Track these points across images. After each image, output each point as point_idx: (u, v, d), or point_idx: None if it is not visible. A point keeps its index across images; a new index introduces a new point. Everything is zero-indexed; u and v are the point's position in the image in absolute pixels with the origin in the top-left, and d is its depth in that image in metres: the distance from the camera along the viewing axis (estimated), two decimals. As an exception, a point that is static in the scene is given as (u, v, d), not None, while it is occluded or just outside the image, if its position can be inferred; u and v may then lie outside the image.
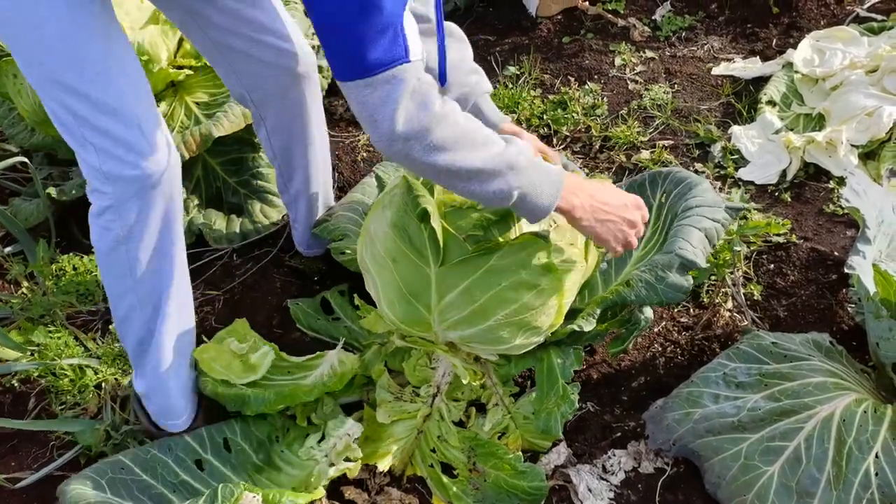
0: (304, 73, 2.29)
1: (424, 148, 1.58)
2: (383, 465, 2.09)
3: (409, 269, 1.90)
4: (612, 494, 2.02)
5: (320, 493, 2.01)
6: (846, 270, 1.86)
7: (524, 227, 1.91)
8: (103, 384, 2.44)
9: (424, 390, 2.20)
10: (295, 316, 2.53)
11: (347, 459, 2.04)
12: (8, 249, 2.85)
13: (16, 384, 2.47)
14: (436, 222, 1.79)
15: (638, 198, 1.96)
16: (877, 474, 1.73)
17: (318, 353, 2.27)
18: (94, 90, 1.75)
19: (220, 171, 3.04)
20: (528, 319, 1.95)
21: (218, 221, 2.90)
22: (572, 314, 2.12)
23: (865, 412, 1.82)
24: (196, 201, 2.97)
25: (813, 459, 1.81)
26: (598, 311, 2.08)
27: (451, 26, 2.00)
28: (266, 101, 2.33)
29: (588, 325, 2.04)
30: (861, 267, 1.87)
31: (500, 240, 1.86)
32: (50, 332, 2.56)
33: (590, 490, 2.03)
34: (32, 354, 2.50)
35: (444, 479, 2.05)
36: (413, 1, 1.78)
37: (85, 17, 1.73)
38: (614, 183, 2.98)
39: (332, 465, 2.02)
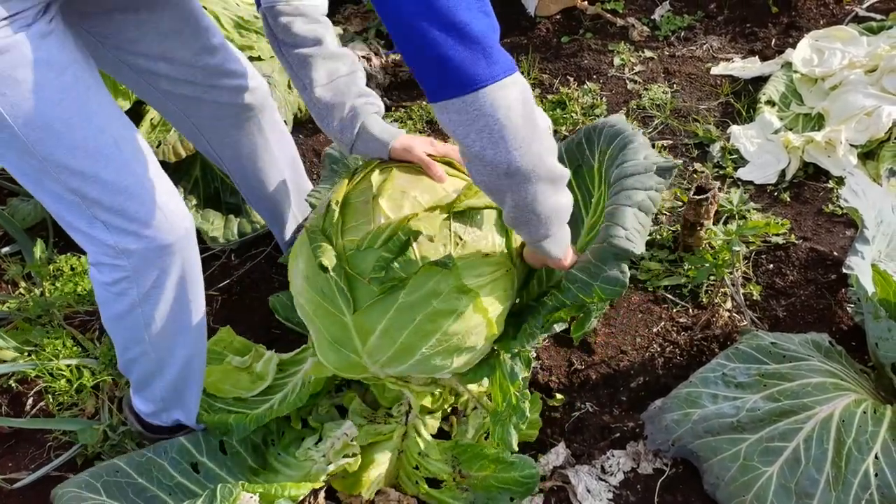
0: (259, 104, 2.29)
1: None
2: (368, 493, 2.04)
3: (329, 320, 1.84)
4: (610, 495, 2.01)
5: (320, 483, 1.99)
6: (845, 271, 1.85)
7: (427, 253, 1.76)
8: (101, 385, 2.43)
9: (397, 409, 2.16)
10: (273, 307, 2.51)
11: (346, 456, 2.04)
12: (5, 250, 2.85)
13: (13, 385, 2.46)
14: (338, 271, 1.76)
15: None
16: (876, 475, 1.72)
17: (304, 346, 2.29)
18: (106, 172, 1.70)
19: (218, 171, 3.03)
20: (458, 343, 1.85)
21: (216, 221, 2.90)
22: (526, 310, 2.03)
23: (865, 413, 1.81)
24: (194, 201, 2.96)
25: (812, 460, 1.80)
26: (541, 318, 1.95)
27: (343, 51, 1.94)
28: (224, 139, 2.31)
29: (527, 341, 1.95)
30: (860, 267, 1.86)
31: (402, 275, 1.74)
32: (47, 332, 2.56)
33: (588, 491, 2.02)
34: (30, 355, 2.49)
35: (433, 492, 2.04)
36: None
37: (89, 100, 1.68)
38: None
39: (329, 463, 2.01)
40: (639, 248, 1.82)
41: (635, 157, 2.02)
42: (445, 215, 1.79)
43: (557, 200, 1.65)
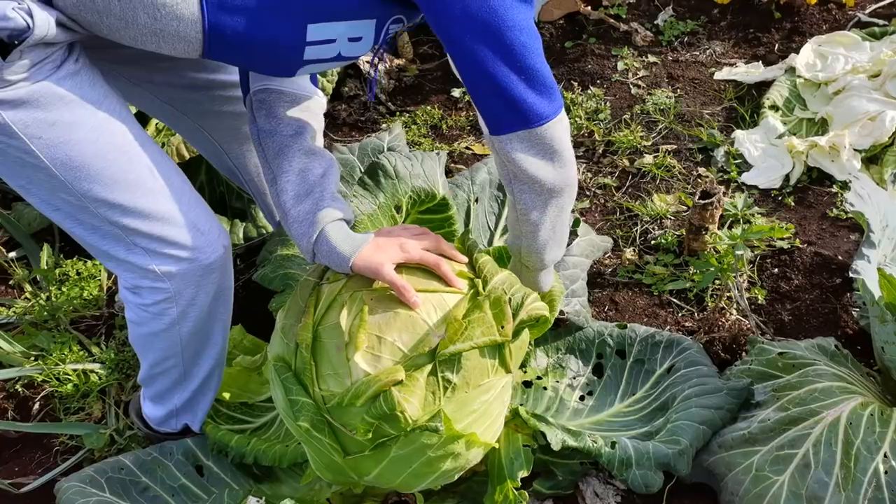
0: None
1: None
2: None
3: (320, 453, 1.76)
4: (619, 499, 2.01)
5: (323, 501, 1.98)
6: (851, 275, 1.86)
7: (414, 413, 1.64)
8: (107, 389, 2.44)
9: None
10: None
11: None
12: (12, 254, 2.85)
13: (20, 389, 2.47)
14: (319, 426, 1.69)
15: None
16: (886, 472, 1.72)
17: None
18: (144, 202, 1.72)
19: (224, 175, 3.04)
20: (457, 472, 1.82)
21: (221, 225, 2.90)
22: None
23: (872, 415, 1.81)
24: (199, 206, 2.97)
25: (821, 464, 1.80)
26: (571, 442, 1.92)
27: (321, 150, 1.91)
28: (243, 149, 2.31)
29: (555, 439, 1.89)
30: (866, 271, 1.86)
31: (392, 433, 1.66)
32: (54, 337, 2.56)
33: (597, 495, 2.02)
34: (36, 359, 2.50)
35: None
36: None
37: (124, 133, 1.69)
38: (618, 188, 3.00)
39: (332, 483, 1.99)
40: (686, 469, 1.94)
41: (707, 383, 2.12)
42: (430, 366, 1.64)
43: (567, 226, 1.97)
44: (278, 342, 1.81)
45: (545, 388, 2.23)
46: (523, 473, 1.85)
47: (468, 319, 1.67)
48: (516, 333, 1.74)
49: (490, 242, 2.53)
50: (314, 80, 2.03)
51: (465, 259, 1.84)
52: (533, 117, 1.67)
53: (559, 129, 1.72)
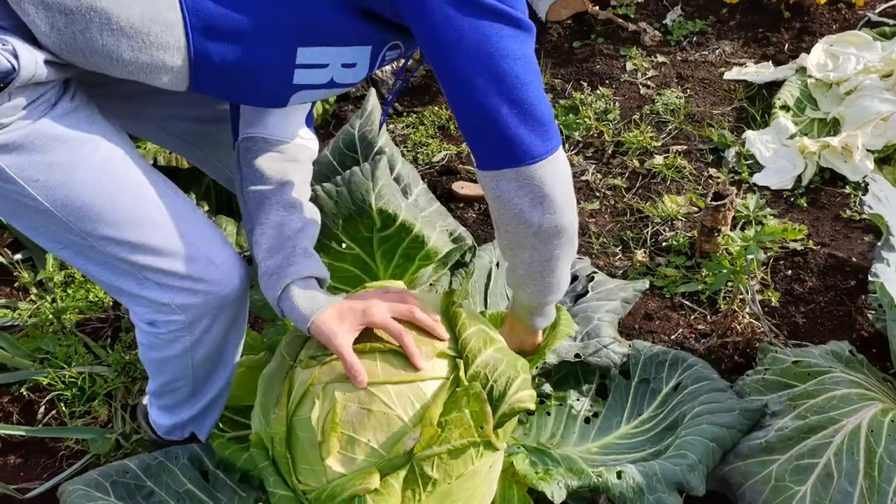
0: None
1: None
2: None
3: None
4: (632, 507, 1.99)
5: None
6: (870, 279, 1.83)
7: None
8: (114, 393, 2.41)
9: None
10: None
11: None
12: (17, 256, 2.83)
13: (25, 393, 2.44)
14: None
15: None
16: (911, 480, 1.69)
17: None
18: (153, 238, 1.65)
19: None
20: None
21: (228, 227, 2.87)
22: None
23: (893, 421, 1.78)
24: (206, 207, 2.94)
25: (844, 473, 1.76)
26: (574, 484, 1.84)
27: (303, 202, 1.83)
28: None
29: (557, 493, 1.81)
30: (885, 274, 1.83)
31: None
32: (59, 339, 2.54)
33: (611, 502, 2.00)
34: (41, 363, 2.47)
35: None
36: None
37: (126, 170, 1.63)
38: (628, 189, 2.97)
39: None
40: (701, 490, 1.85)
41: (719, 401, 2.05)
42: (406, 468, 1.57)
43: (567, 273, 1.77)
44: (258, 420, 1.77)
45: (548, 414, 2.18)
46: None
47: (445, 419, 1.59)
48: (500, 425, 1.65)
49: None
50: (310, 123, 1.95)
51: (444, 336, 1.69)
52: (522, 155, 1.54)
53: (551, 170, 1.58)
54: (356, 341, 1.65)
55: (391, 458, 1.57)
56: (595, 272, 2.43)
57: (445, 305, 1.80)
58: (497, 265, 2.41)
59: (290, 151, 1.84)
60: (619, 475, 1.83)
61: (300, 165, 1.86)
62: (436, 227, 2.24)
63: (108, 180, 1.59)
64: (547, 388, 2.20)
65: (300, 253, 1.72)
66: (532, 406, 1.67)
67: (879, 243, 1.97)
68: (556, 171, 1.60)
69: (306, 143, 1.90)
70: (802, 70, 3.30)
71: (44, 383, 2.42)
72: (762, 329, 2.36)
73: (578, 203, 2.94)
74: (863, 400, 1.85)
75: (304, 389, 1.65)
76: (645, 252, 2.74)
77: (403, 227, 2.16)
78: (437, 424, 1.56)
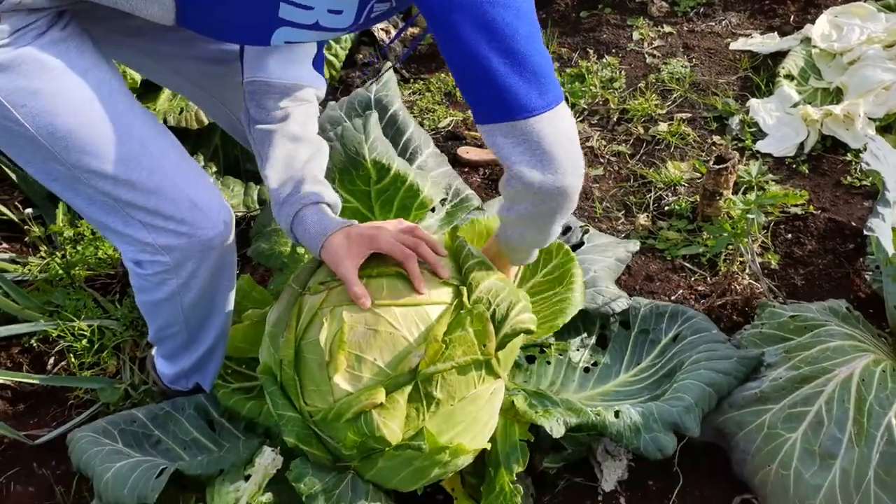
0: None
1: None
2: None
3: (314, 457, 1.76)
4: (630, 456, 2.02)
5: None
6: (865, 233, 1.85)
7: (396, 431, 1.63)
8: (122, 345, 2.46)
9: None
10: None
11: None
12: (28, 210, 2.87)
13: (35, 344, 2.48)
14: (306, 439, 1.71)
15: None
16: (899, 427, 1.72)
17: None
18: (137, 175, 1.67)
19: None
20: (449, 474, 1.82)
21: (236, 188, 2.91)
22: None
23: (884, 371, 1.81)
24: (214, 168, 2.98)
25: (834, 420, 1.79)
26: (573, 421, 1.87)
27: (309, 136, 1.86)
28: None
29: (556, 428, 1.84)
30: (880, 229, 1.86)
31: (376, 446, 1.65)
32: (69, 294, 2.58)
33: (608, 452, 2.04)
34: (51, 315, 2.52)
35: None
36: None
37: (112, 104, 1.65)
38: (632, 156, 3.00)
39: None
40: (696, 431, 1.88)
41: (717, 349, 2.09)
42: (411, 386, 1.62)
43: (559, 227, 1.75)
44: (266, 350, 1.81)
45: (549, 363, 2.22)
46: (519, 469, 1.81)
47: (449, 338, 1.63)
48: (502, 346, 1.70)
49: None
50: (319, 68, 1.95)
51: (445, 275, 1.72)
52: (516, 108, 1.50)
53: (549, 126, 1.53)
54: (365, 266, 1.69)
55: (396, 376, 1.62)
56: (587, 227, 2.47)
57: (450, 241, 1.86)
58: None
59: (296, 92, 1.85)
60: (616, 414, 1.87)
61: (306, 103, 1.88)
62: (427, 178, 2.28)
63: (93, 112, 1.61)
64: (548, 338, 2.23)
65: (310, 180, 1.76)
66: (533, 327, 1.72)
67: (876, 199, 1.99)
68: (557, 127, 1.54)
69: (313, 84, 1.90)
70: (807, 40, 3.31)
71: (53, 335, 2.46)
72: (761, 290, 2.39)
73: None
74: (856, 351, 1.88)
75: (312, 314, 1.71)
76: (647, 216, 2.77)
77: (398, 177, 2.20)
78: (441, 341, 1.61)
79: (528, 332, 1.71)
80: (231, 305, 2.04)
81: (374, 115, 2.26)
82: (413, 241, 1.71)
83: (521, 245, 1.82)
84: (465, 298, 1.69)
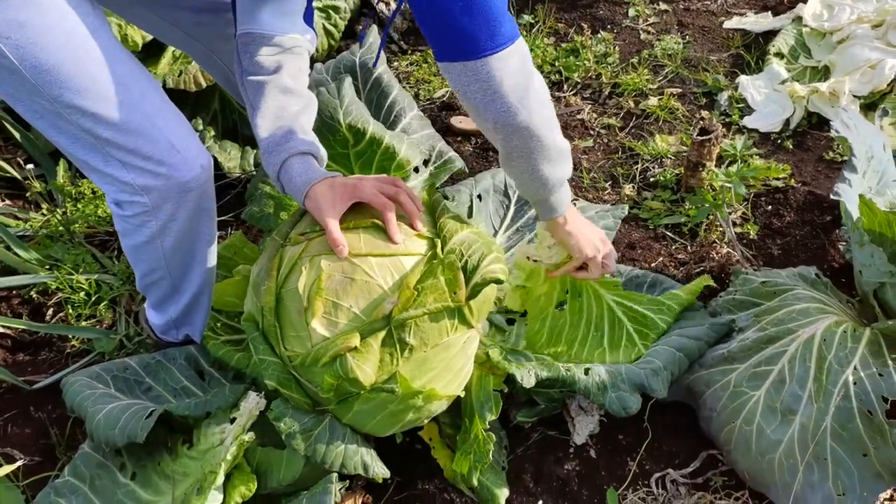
0: None
1: None
2: None
3: (294, 401, 1.83)
4: (602, 412, 2.10)
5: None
6: (832, 197, 1.92)
7: (371, 374, 1.71)
8: (118, 299, 2.54)
9: None
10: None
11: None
12: (30, 167, 2.94)
13: (34, 296, 2.57)
14: (286, 383, 1.78)
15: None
16: (855, 383, 1.78)
17: None
18: (117, 113, 1.71)
19: (236, 104, 3.12)
20: (423, 420, 1.91)
21: (233, 152, 2.98)
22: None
23: (845, 332, 1.87)
24: (212, 132, 3.04)
25: (796, 378, 1.86)
26: (544, 374, 1.95)
27: (301, 89, 1.93)
28: None
29: (527, 378, 1.92)
30: (847, 194, 1.92)
31: (352, 390, 1.73)
32: (68, 249, 2.66)
33: (581, 408, 2.10)
34: (51, 269, 2.60)
35: None
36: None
37: (95, 42, 1.68)
38: (621, 129, 3.06)
39: None
40: (662, 392, 1.96)
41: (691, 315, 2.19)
42: (385, 331, 1.69)
43: (550, 172, 1.81)
44: (249, 299, 1.88)
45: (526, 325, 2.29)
46: (492, 417, 1.89)
47: (421, 286, 1.71)
48: (474, 294, 1.76)
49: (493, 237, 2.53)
50: (309, 21, 2.02)
51: (419, 228, 1.80)
52: (470, 49, 1.57)
53: (499, 67, 1.60)
54: (344, 218, 1.76)
55: (371, 322, 1.69)
56: (575, 199, 2.53)
57: (428, 197, 1.93)
58: (479, 197, 2.52)
59: (288, 45, 1.92)
60: (586, 372, 1.94)
61: (298, 56, 1.94)
62: (404, 140, 2.33)
63: (77, 48, 1.66)
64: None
65: (298, 130, 1.83)
66: (503, 277, 1.78)
67: (845, 165, 2.05)
68: (506, 67, 1.61)
69: (304, 37, 1.97)
70: (798, 19, 3.36)
71: (52, 287, 2.55)
72: (738, 258, 2.45)
73: (572, 140, 3.03)
74: (820, 313, 1.95)
75: (292, 263, 1.78)
76: (633, 187, 2.83)
77: (374, 140, 2.27)
78: (413, 289, 1.69)
79: (497, 281, 1.78)
80: (213, 258, 2.11)
81: (348, 79, 2.32)
82: (393, 191, 1.79)
83: (529, 195, 1.90)
84: (438, 250, 1.77)
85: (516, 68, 1.64)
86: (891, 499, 1.88)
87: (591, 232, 2.02)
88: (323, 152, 1.88)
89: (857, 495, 1.73)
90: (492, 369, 1.97)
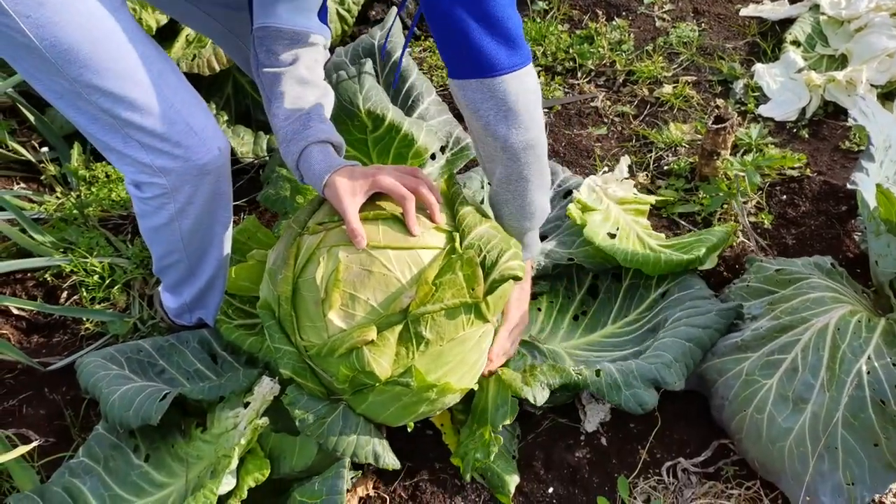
0: None
1: None
2: None
3: (309, 389, 1.84)
4: (612, 400, 2.10)
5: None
6: (849, 186, 1.91)
7: (386, 367, 1.72)
8: (132, 282, 2.55)
9: None
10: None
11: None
12: (44, 149, 2.95)
13: (49, 279, 2.58)
14: (301, 372, 1.80)
15: None
16: (868, 373, 1.77)
17: None
18: (136, 93, 1.72)
19: (249, 88, 3.12)
20: (436, 411, 1.91)
21: (246, 137, 2.99)
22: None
23: (859, 321, 1.86)
24: (225, 117, 3.05)
25: (809, 367, 1.85)
26: (557, 382, 1.94)
27: (317, 80, 1.95)
28: None
29: (540, 395, 1.91)
30: (864, 183, 1.91)
31: (367, 382, 1.73)
32: (83, 232, 2.67)
33: (592, 396, 2.11)
34: (65, 252, 2.61)
35: None
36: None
37: (114, 22, 1.69)
38: (636, 116, 3.04)
39: None
40: (677, 384, 1.97)
41: (701, 305, 2.16)
42: (402, 325, 1.70)
43: (543, 200, 1.91)
44: (265, 286, 1.89)
45: (539, 309, 2.28)
46: (506, 422, 1.90)
47: (439, 281, 1.71)
48: (491, 291, 1.76)
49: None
50: (324, 19, 2.03)
51: (438, 220, 1.80)
52: (487, 67, 1.63)
53: (516, 85, 1.67)
54: (363, 209, 1.77)
55: (388, 315, 1.69)
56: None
57: (446, 188, 1.94)
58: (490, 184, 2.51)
59: (303, 38, 1.93)
60: (597, 373, 1.94)
61: (313, 48, 1.95)
62: (423, 127, 2.33)
63: (96, 28, 1.66)
64: (540, 286, 2.30)
65: (316, 119, 1.84)
66: (521, 274, 1.79)
67: (862, 154, 2.04)
68: (522, 86, 1.68)
69: (319, 32, 1.98)
70: (816, 7, 3.33)
71: (67, 270, 2.56)
72: (752, 248, 2.44)
73: (587, 128, 3.02)
74: (834, 302, 1.94)
75: (310, 253, 1.78)
76: (647, 175, 2.82)
77: (392, 126, 2.27)
78: (431, 284, 1.69)
79: (516, 278, 1.78)
80: (229, 243, 2.12)
81: (369, 63, 2.32)
82: (414, 182, 1.79)
83: (514, 225, 1.94)
84: (457, 244, 1.76)
85: (531, 87, 1.71)
86: (903, 490, 1.88)
87: (523, 314, 2.05)
88: (341, 141, 1.88)
89: (867, 486, 1.73)
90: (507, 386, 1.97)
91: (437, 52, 3.52)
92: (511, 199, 1.87)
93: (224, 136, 1.91)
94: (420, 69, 3.39)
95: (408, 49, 3.53)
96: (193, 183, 1.88)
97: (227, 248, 2.13)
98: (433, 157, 2.37)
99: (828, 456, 1.77)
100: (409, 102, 2.48)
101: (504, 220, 1.93)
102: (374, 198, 1.80)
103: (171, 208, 1.91)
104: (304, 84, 1.89)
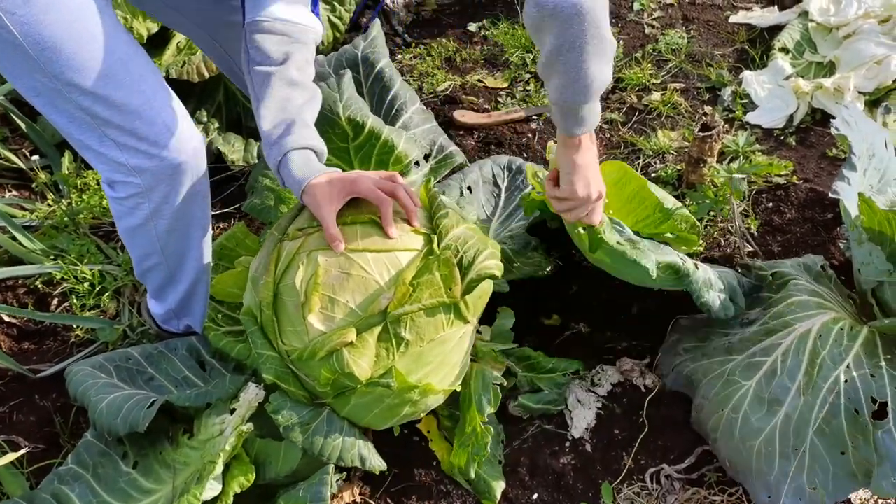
0: None
1: None
2: None
3: (293, 394, 1.85)
4: (599, 404, 2.11)
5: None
6: (831, 195, 1.93)
7: (367, 368, 1.73)
8: (122, 290, 2.56)
9: None
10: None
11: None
12: (35, 158, 2.96)
13: (40, 286, 2.59)
14: (284, 377, 1.81)
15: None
16: (846, 381, 1.79)
17: None
18: (116, 93, 1.74)
19: (241, 96, 3.14)
20: (420, 413, 1.92)
21: (237, 144, 3.00)
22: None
23: (842, 329, 1.88)
24: (216, 124, 3.07)
25: (787, 371, 1.87)
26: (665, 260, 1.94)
27: (306, 82, 1.93)
28: None
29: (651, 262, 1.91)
30: (845, 192, 1.93)
31: (349, 384, 1.75)
32: (73, 239, 2.68)
33: (579, 401, 2.12)
34: (56, 259, 2.62)
35: None
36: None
37: (99, 22, 1.71)
38: (624, 124, 3.06)
39: None
40: None
41: None
42: (381, 326, 1.72)
43: (600, 72, 1.65)
44: (248, 293, 1.91)
45: None
46: (491, 410, 1.92)
47: (417, 282, 1.73)
48: (469, 290, 1.78)
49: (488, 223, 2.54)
50: (316, 11, 2.02)
51: (415, 224, 1.81)
52: None
53: None
54: (342, 213, 1.78)
55: (367, 317, 1.71)
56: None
57: (425, 193, 1.95)
58: (469, 189, 2.54)
59: (295, 34, 1.92)
60: (696, 266, 1.99)
61: (304, 46, 1.94)
62: (402, 134, 2.35)
63: (80, 27, 1.68)
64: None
65: (301, 125, 1.85)
66: (498, 273, 1.80)
67: (843, 163, 2.06)
68: None
69: (311, 27, 1.96)
70: (804, 14, 3.35)
71: (57, 277, 2.57)
72: (749, 249, 2.46)
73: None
74: (819, 308, 1.96)
75: (290, 258, 1.80)
76: (635, 182, 2.83)
77: (372, 133, 2.29)
78: (409, 284, 1.71)
79: (493, 277, 1.80)
80: (209, 244, 2.13)
81: (349, 75, 2.34)
82: (391, 187, 1.80)
83: (564, 100, 1.69)
84: (434, 245, 1.78)
85: None
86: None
87: (594, 175, 1.85)
88: (323, 147, 1.89)
89: (829, 492, 1.75)
90: (493, 361, 1.99)
91: (427, 59, 3.54)
92: (563, 72, 1.64)
93: (200, 135, 1.94)
94: (410, 76, 3.42)
95: (398, 56, 3.56)
96: (168, 182, 1.89)
97: (208, 251, 2.15)
98: (417, 164, 2.39)
99: (794, 458, 1.79)
100: (394, 112, 2.50)
101: (553, 93, 1.70)
102: (354, 203, 1.82)
103: (146, 208, 1.92)
104: (293, 86, 1.89)
